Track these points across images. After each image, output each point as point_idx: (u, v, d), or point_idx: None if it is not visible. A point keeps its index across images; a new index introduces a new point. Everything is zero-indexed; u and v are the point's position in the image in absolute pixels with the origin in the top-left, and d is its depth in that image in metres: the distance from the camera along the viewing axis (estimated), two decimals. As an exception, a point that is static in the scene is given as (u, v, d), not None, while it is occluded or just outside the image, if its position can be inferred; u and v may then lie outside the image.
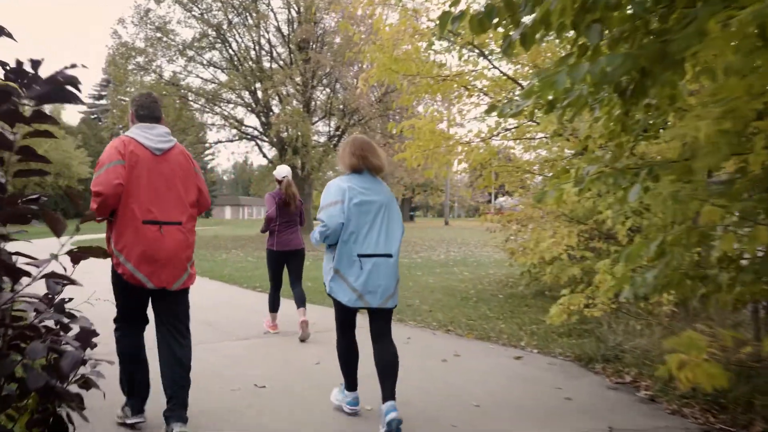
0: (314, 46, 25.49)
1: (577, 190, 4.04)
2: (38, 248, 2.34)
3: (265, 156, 29.67)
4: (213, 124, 28.98)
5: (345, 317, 4.24)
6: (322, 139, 28.81)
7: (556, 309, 5.83)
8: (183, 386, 3.91)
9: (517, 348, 6.42)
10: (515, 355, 6.09)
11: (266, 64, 26.91)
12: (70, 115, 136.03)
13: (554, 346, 6.39)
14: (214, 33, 26.26)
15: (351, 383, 4.33)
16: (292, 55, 26.20)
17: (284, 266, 7.19)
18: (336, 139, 26.73)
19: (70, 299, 2.36)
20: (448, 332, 7.21)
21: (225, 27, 25.96)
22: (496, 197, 77.04)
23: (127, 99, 26.42)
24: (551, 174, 9.32)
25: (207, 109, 28.00)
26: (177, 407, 3.83)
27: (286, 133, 26.35)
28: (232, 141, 29.88)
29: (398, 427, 3.79)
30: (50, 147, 52.47)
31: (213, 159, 79.38)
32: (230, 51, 27.00)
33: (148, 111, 3.97)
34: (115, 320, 4.05)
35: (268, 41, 26.98)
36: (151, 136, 3.87)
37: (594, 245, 7.78)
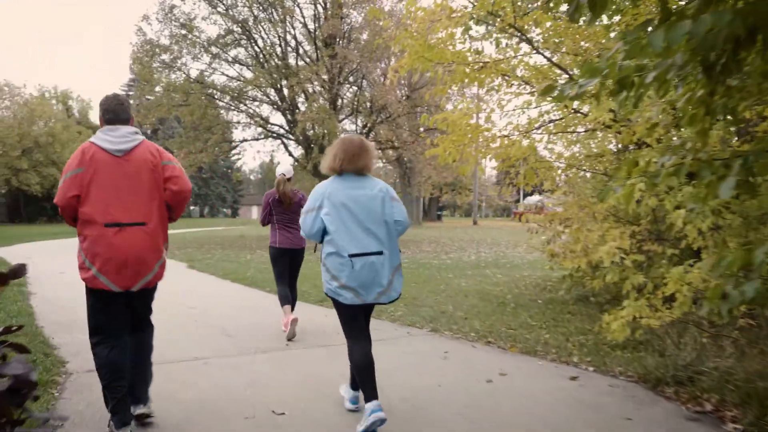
0: (341, 42, 24.92)
1: (646, 186, 3.42)
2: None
3: (291, 154, 29.17)
4: (238, 122, 28.55)
5: (349, 318, 4.26)
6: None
7: (619, 323, 5.12)
8: (144, 366, 4.08)
9: (569, 365, 5.72)
10: (570, 375, 5.40)
11: (292, 61, 26.41)
12: (98, 114, 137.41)
13: (611, 362, 5.68)
14: (239, 29, 25.81)
15: (372, 393, 4.10)
16: (318, 51, 25.66)
17: (287, 262, 7.24)
18: (364, 136, 26.14)
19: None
20: (489, 344, 6.54)
21: (250, 23, 25.49)
22: (524, 196, 76.20)
23: (151, 98, 26.12)
24: (601, 170, 8.62)
25: (232, 107, 27.58)
26: (137, 391, 3.97)
27: (312, 131, 25.82)
28: (257, 139, 29.43)
29: (381, 425, 3.91)
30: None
31: (240, 158, 79.26)
32: (256, 48, 26.54)
33: (113, 114, 4.05)
34: (91, 334, 4.00)
35: (294, 37, 26.51)
36: (113, 138, 3.93)
37: (647, 248, 7.07)
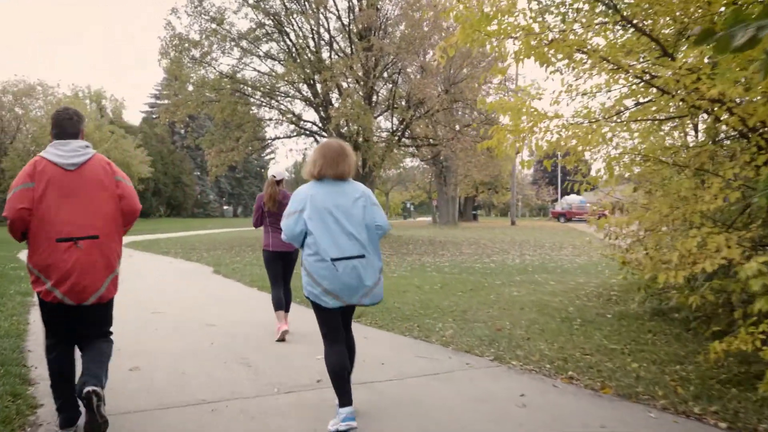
0: (376, 33, 23.74)
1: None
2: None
3: (324, 153, 28.11)
4: (270, 119, 27.61)
5: (328, 321, 4.26)
6: (384, 135, 27.08)
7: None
8: (100, 364, 3.96)
9: (690, 417, 4.37)
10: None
11: (325, 55, 25.35)
12: (131, 114, 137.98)
13: (745, 413, 4.35)
14: (271, 22, 24.81)
15: (345, 399, 4.12)
16: (352, 45, 24.55)
17: (280, 265, 7.26)
18: (400, 133, 24.90)
19: None
20: (572, 381, 5.22)
21: (282, 16, 24.48)
22: (562, 195, 74.18)
23: (181, 95, 25.25)
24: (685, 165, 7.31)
25: (264, 104, 26.62)
26: (89, 377, 3.80)
27: (345, 128, 24.74)
28: (290, 137, 28.43)
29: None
30: (110, 146, 52.45)
31: (273, 157, 78.62)
32: (288, 41, 25.52)
33: (60, 129, 4.05)
34: (46, 341, 4.08)
35: (328, 30, 25.38)
36: (63, 152, 3.94)
37: (764, 259, 5.74)
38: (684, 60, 5.22)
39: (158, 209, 70.01)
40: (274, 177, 7.19)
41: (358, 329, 7.24)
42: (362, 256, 4.16)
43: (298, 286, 8.68)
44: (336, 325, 4.28)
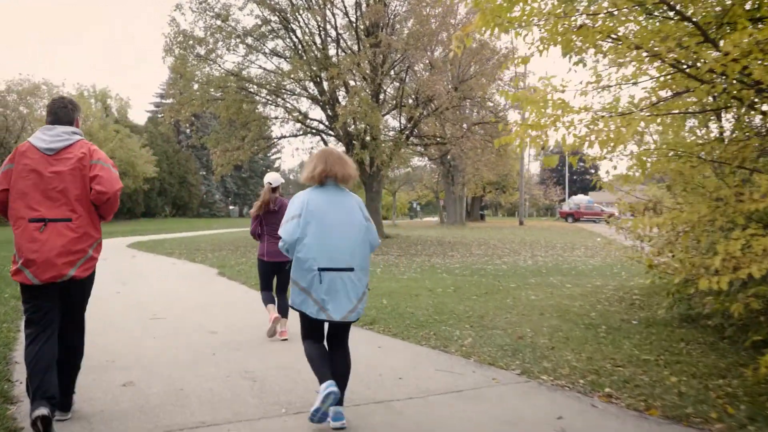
0: (384, 29, 23.25)
1: None
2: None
3: (331, 151, 27.62)
4: (276, 118, 27.15)
5: (311, 328, 4.27)
6: (391, 133, 26.60)
7: None
8: (71, 374, 4.18)
9: None
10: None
11: (332, 52, 24.89)
12: (137, 113, 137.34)
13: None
14: (276, 18, 24.35)
15: (325, 376, 4.06)
16: (360, 42, 24.08)
17: (274, 274, 7.23)
18: (408, 131, 24.38)
19: None
20: (611, 400, 4.71)
21: (288, 12, 24.02)
22: (569, 195, 73.48)
23: (185, 93, 24.83)
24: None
25: (269, 102, 26.16)
26: (62, 395, 4.00)
27: (353, 126, 24.27)
28: (296, 136, 27.96)
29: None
30: (115, 145, 52.13)
31: (279, 157, 78.23)
32: (294, 38, 25.07)
33: (55, 117, 4.18)
34: (26, 323, 4.08)
35: (335, 27, 24.90)
36: (46, 137, 4.07)
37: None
38: (732, 46, 4.73)
39: (164, 209, 69.68)
40: (270, 184, 7.10)
41: (370, 338, 6.85)
42: (351, 270, 4.13)
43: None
44: (318, 332, 4.30)
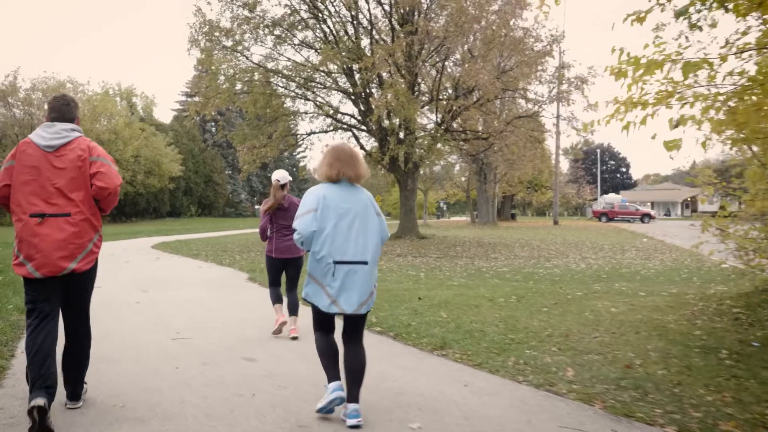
0: (420, 15, 21.85)
1: None
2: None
3: (362, 147, 26.28)
4: (305, 113, 25.89)
5: (322, 321, 4.35)
6: (429, 126, 25.23)
7: None
8: (79, 369, 4.29)
9: None
10: None
11: (364, 42, 23.58)
12: (162, 112, 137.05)
13: None
14: (306, 7, 23.10)
15: (333, 375, 4.22)
16: (394, 32, 22.74)
17: (283, 271, 7.19)
18: (446, 124, 22.93)
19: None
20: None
21: (318, 0, 22.77)
22: (601, 194, 71.55)
23: (210, 87, 23.67)
24: None
25: (299, 95, 24.92)
26: (72, 386, 4.22)
27: (387, 122, 22.96)
28: (326, 132, 26.69)
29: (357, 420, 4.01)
30: (141, 144, 51.34)
31: (305, 154, 77.06)
32: (324, 28, 23.81)
33: (58, 113, 4.32)
34: (27, 314, 4.14)
35: (368, 16, 23.54)
36: (46, 134, 4.18)
37: None
38: None
39: (189, 209, 68.88)
40: (278, 181, 7.04)
41: (449, 369, 5.36)
42: (365, 263, 4.20)
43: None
44: (329, 324, 4.38)
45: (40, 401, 3.70)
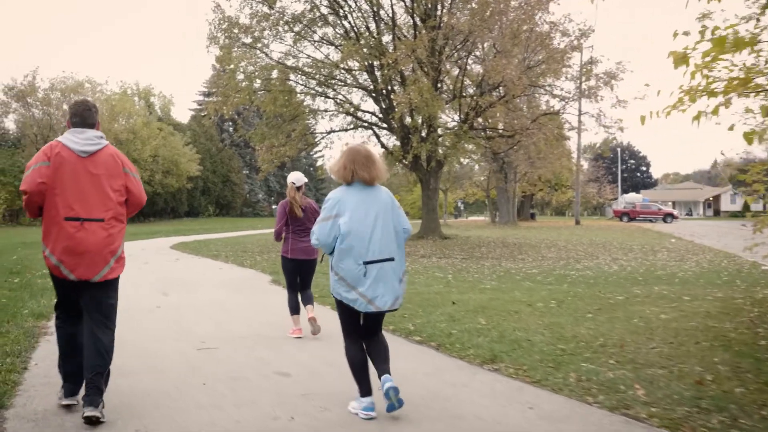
0: (443, 10, 21.29)
1: None
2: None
3: (383, 146, 25.76)
4: (325, 111, 25.40)
5: (352, 321, 4.37)
6: (449, 126, 24.67)
7: None
8: (99, 373, 4.12)
9: None
10: None
11: (386, 39, 23.08)
12: (179, 111, 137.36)
13: None
14: (326, 2, 22.62)
15: (365, 389, 4.29)
16: (416, 28, 22.20)
17: (298, 272, 7.20)
18: (471, 121, 22.32)
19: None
20: None
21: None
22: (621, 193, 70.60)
23: (229, 85, 23.27)
24: None
25: (319, 93, 24.44)
26: (91, 393, 4.03)
27: (409, 119, 22.44)
28: (346, 130, 26.18)
29: (397, 396, 4.10)
30: (159, 143, 51.15)
31: (322, 153, 76.59)
32: (345, 25, 23.33)
33: (80, 118, 4.34)
34: (55, 308, 4.48)
35: (392, 16, 23.00)
36: (79, 140, 4.23)
37: None
38: None
39: (207, 208, 68.69)
40: (294, 183, 7.05)
41: (505, 387, 4.70)
42: (392, 259, 4.28)
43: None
44: (357, 324, 4.38)
45: (73, 401, 4.23)
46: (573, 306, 8.93)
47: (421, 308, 8.58)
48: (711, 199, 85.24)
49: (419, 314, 8.12)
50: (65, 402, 4.23)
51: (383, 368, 4.24)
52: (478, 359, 5.65)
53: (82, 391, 4.11)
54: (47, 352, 5.82)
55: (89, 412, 3.94)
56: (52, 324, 7.32)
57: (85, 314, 4.24)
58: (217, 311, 8.70)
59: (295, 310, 7.10)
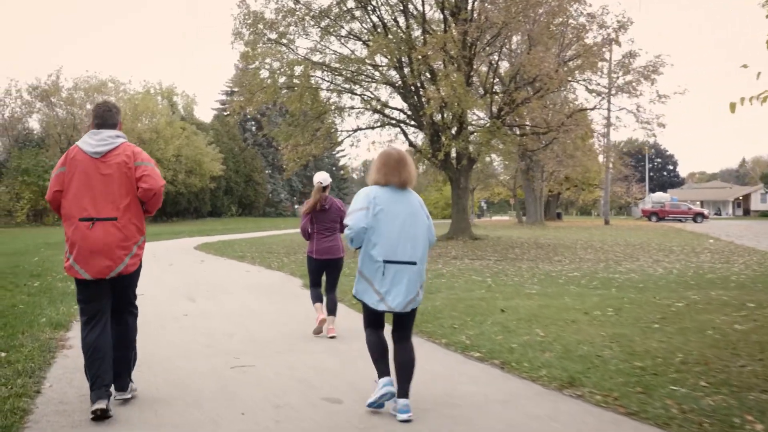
0: (477, 3, 20.52)
1: None
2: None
3: (411, 144, 25.04)
4: (352, 108, 24.76)
5: (372, 318, 4.47)
6: (481, 122, 23.90)
7: None
8: (127, 360, 4.46)
9: None
10: None
11: (416, 33, 22.38)
12: (202, 111, 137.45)
13: None
14: (354, -3, 22.01)
15: (383, 370, 4.35)
16: (446, 21, 21.47)
17: (323, 272, 7.25)
18: (504, 117, 21.54)
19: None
20: None
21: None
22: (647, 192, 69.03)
23: (254, 82, 22.72)
24: None
25: (346, 90, 23.80)
26: (120, 378, 4.36)
27: (440, 116, 21.72)
28: (373, 128, 25.48)
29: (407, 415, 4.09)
30: (182, 143, 50.85)
31: (346, 153, 76.09)
32: (373, 19, 22.67)
33: (101, 120, 4.49)
34: (79, 312, 4.48)
35: (419, 4, 22.32)
36: (93, 141, 4.37)
37: None
38: None
39: (230, 208, 68.38)
40: (320, 183, 7.04)
41: (599, 418, 4.13)
42: (414, 264, 4.32)
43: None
44: (379, 321, 4.47)
45: (102, 404, 4.02)
46: (633, 314, 8.19)
47: (468, 317, 7.91)
48: (741, 198, 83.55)
49: (469, 324, 7.44)
50: (94, 407, 4.08)
51: (404, 388, 4.23)
52: (554, 382, 4.92)
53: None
54: (64, 369, 5.23)
55: (119, 396, 4.37)
56: (70, 335, 6.77)
57: (107, 308, 4.42)
58: (249, 320, 8.08)
59: (317, 298, 7.13)
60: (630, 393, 4.60)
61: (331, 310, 7.03)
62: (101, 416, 3.99)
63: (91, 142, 4.35)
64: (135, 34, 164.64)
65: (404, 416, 4.07)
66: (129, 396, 4.43)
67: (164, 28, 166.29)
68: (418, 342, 6.64)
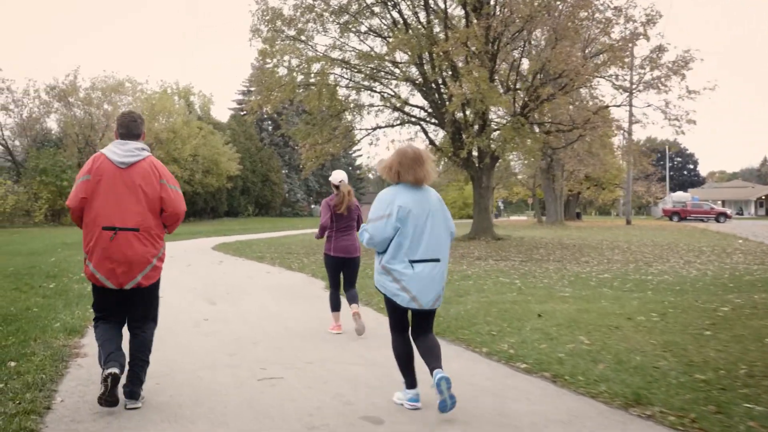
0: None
1: None
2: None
3: (431, 142, 24.58)
4: (371, 105, 24.35)
5: (398, 316, 4.48)
6: (505, 119, 23.36)
7: None
8: (141, 363, 4.42)
9: None
10: None
11: (437, 29, 21.93)
12: (219, 110, 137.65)
13: None
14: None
15: (410, 381, 4.45)
16: (468, 17, 21.00)
17: (341, 270, 7.23)
18: (529, 114, 21.01)
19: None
20: None
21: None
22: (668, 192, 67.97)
23: (272, 79, 22.38)
24: None
25: (366, 87, 23.39)
26: (132, 384, 4.32)
27: (460, 114, 21.25)
28: (392, 126, 25.06)
29: (449, 390, 4.07)
30: (199, 143, 50.69)
31: (362, 152, 75.71)
32: (392, 15, 22.25)
33: (126, 130, 4.53)
34: (94, 310, 4.61)
35: (441, 2, 21.87)
36: (120, 151, 4.42)
37: None
38: None
39: (246, 208, 68.24)
40: (343, 182, 7.12)
41: None
42: (438, 261, 4.37)
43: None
44: (404, 319, 4.49)
45: (114, 369, 4.07)
46: (679, 320, 7.70)
47: (505, 322, 7.46)
48: (763, 197, 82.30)
49: (507, 330, 6.99)
50: (106, 372, 4.10)
51: (435, 364, 4.24)
52: (616, 399, 4.44)
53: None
54: (77, 381, 4.85)
55: (131, 405, 4.27)
56: (84, 342, 6.39)
57: (122, 314, 4.52)
58: (272, 325, 7.67)
59: (336, 307, 7.18)
60: (705, 413, 4.13)
61: (353, 300, 7.11)
62: (113, 380, 4.01)
63: (118, 152, 4.40)
64: (149, 33, 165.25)
65: (441, 373, 4.13)
66: (140, 405, 4.36)
67: (180, 26, 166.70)
68: (457, 351, 6.24)
